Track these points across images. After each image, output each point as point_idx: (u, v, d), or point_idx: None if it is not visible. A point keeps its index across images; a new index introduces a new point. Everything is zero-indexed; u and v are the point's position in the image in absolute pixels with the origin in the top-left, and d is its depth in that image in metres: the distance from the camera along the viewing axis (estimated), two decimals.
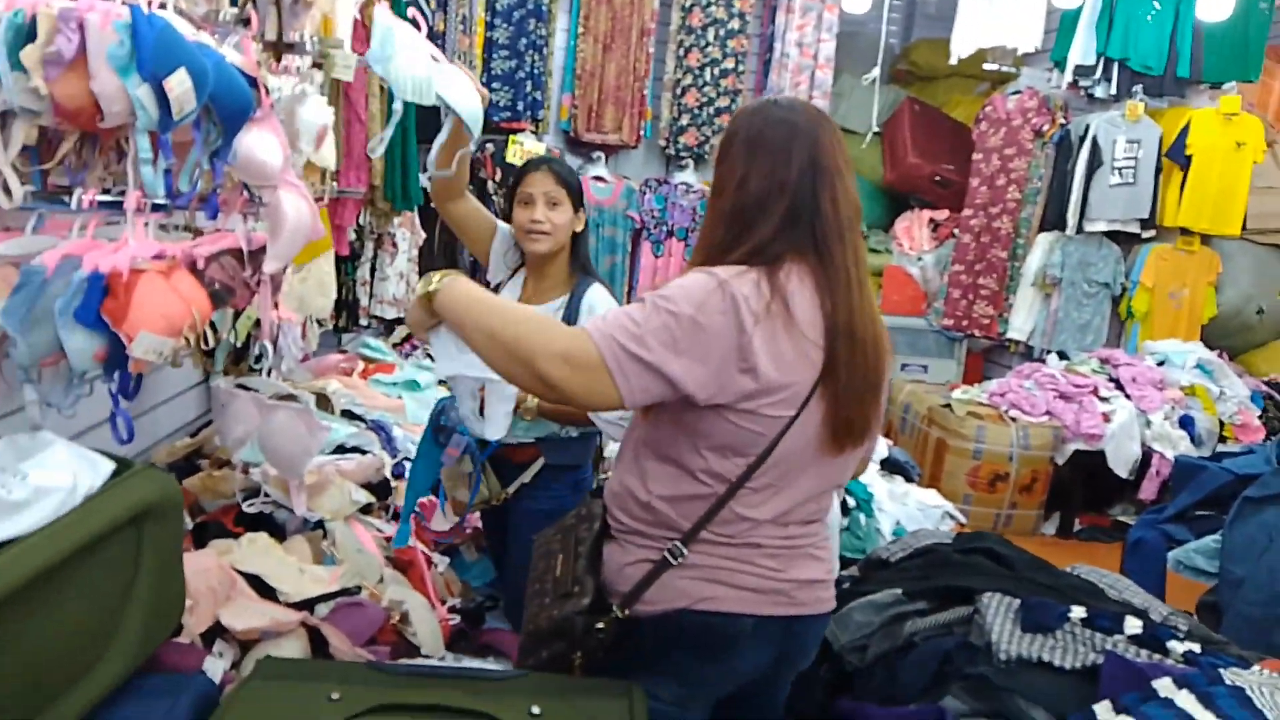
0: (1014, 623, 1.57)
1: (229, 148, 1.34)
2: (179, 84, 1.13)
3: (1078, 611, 1.57)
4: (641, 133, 5.72)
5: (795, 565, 1.39)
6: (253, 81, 1.47)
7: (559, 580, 1.40)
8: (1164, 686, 1.33)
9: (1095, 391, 4.78)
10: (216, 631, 1.58)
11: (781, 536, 1.38)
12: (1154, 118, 5.29)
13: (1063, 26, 5.31)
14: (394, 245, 4.21)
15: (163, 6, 1.21)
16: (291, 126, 1.72)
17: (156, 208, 1.30)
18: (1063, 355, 5.35)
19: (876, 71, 4.93)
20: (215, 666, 1.38)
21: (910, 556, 1.91)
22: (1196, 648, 1.52)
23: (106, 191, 1.30)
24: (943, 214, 6.25)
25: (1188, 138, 5.17)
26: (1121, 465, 4.62)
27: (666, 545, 1.35)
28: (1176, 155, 5.21)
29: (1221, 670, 1.36)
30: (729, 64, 5.81)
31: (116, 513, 1.10)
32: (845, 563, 2.55)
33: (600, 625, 1.33)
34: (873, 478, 3.23)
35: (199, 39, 1.26)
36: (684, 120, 5.79)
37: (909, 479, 3.42)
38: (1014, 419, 4.68)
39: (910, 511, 3.08)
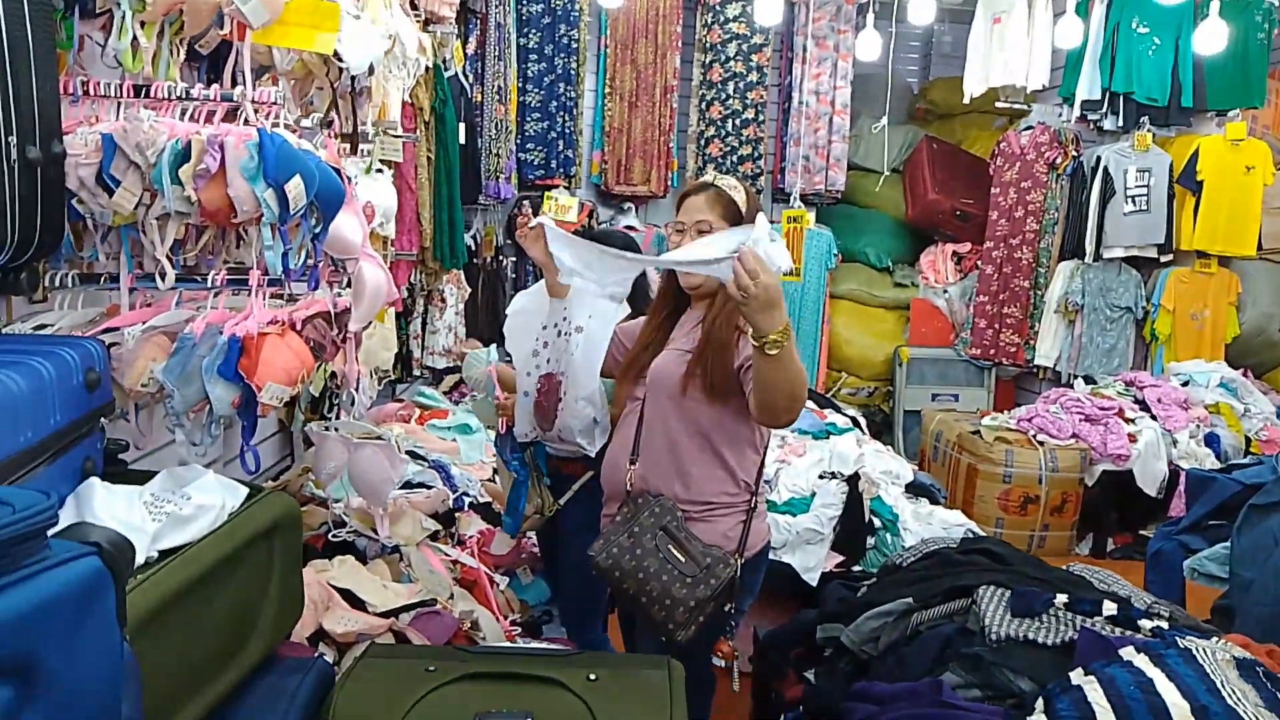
0: (1005, 609, 1.79)
1: (326, 231, 1.65)
2: (295, 187, 1.44)
3: (1061, 598, 1.79)
4: (669, 183, 6.05)
5: None
6: (339, 173, 1.79)
7: (688, 563, 1.80)
8: (1127, 653, 1.55)
9: (1120, 413, 4.94)
10: (319, 636, 1.86)
11: None
12: (1163, 146, 5.49)
13: (1069, 64, 5.56)
14: (443, 301, 4.56)
15: (275, 126, 1.54)
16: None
17: (270, 282, 1.61)
18: (1089, 380, 5.52)
19: (885, 120, 5.20)
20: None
21: (919, 560, 2.14)
22: (1165, 625, 1.74)
23: (231, 271, 1.62)
24: (965, 247, 6.46)
25: (1197, 164, 5.36)
26: (1149, 484, 4.77)
27: (747, 505, 1.89)
28: (1188, 181, 5.40)
29: (1179, 639, 1.58)
30: (749, 114, 6.14)
31: (256, 525, 1.39)
32: (870, 578, 2.77)
33: (737, 575, 1.82)
34: (898, 500, 3.45)
35: (303, 146, 1.58)
36: (709, 169, 6.11)
37: (934, 501, 3.62)
38: (1041, 443, 4.85)
39: (934, 530, 3.27)
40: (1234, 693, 1.41)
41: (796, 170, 6.14)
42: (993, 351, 6.01)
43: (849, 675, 1.98)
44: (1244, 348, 5.59)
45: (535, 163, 5.86)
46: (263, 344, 1.49)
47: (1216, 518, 3.44)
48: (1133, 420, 4.85)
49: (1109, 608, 1.77)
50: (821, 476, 3.31)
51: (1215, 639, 1.66)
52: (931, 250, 6.61)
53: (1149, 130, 5.43)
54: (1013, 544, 4.70)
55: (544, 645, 1.97)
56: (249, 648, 1.37)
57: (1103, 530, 4.96)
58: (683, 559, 1.78)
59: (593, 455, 2.14)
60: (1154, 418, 4.91)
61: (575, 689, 1.37)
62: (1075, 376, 5.57)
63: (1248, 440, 4.95)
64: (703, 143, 6.18)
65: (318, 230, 1.63)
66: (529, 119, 5.84)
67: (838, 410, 4.46)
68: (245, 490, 1.46)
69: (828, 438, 3.64)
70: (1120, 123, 5.49)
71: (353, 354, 2.00)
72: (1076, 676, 1.54)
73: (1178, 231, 5.50)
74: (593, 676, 1.40)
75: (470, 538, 2.63)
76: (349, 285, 2.02)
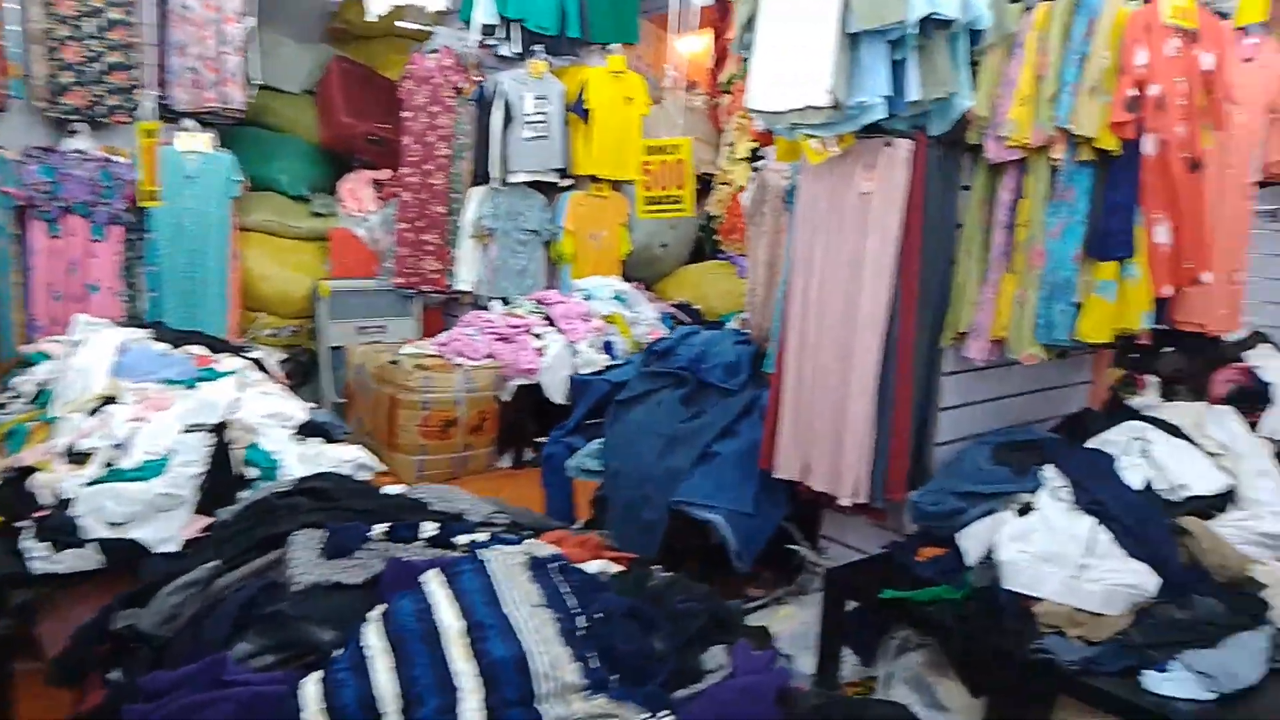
0: (317, 552, 1.57)
1: None
2: None
3: (379, 528, 1.63)
4: (8, 92, 4.86)
5: None
6: None
7: None
8: (427, 578, 1.42)
9: (530, 330, 5.19)
10: None
11: None
12: (558, 75, 5.78)
13: None
14: None
15: None
16: None
17: None
18: (506, 301, 5.72)
19: (252, 22, 4.71)
20: None
21: (240, 513, 1.85)
22: (486, 536, 1.67)
23: None
24: (385, 173, 6.27)
25: (585, 93, 5.74)
26: (556, 393, 5.05)
27: None
28: (578, 109, 5.76)
29: (481, 551, 1.50)
30: (116, 14, 5.16)
31: None
32: None
33: None
34: (283, 444, 3.11)
35: None
36: (66, 78, 5.04)
37: (331, 440, 3.36)
38: (459, 365, 4.88)
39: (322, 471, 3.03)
40: (514, 598, 1.34)
41: (184, 84, 5.35)
42: (416, 279, 5.94)
43: (152, 664, 1.62)
44: (636, 263, 6.24)
45: None
46: None
47: (595, 417, 3.72)
48: (540, 335, 5.11)
49: (428, 529, 1.65)
50: (187, 431, 2.85)
51: (524, 542, 1.63)
52: (350, 177, 6.30)
53: (545, 59, 5.67)
54: (438, 469, 4.75)
55: None
56: None
57: (522, 442, 5.20)
58: None
59: None
60: (561, 331, 5.24)
61: None
62: (492, 298, 5.73)
63: (638, 345, 5.53)
64: (54, 45, 5.05)
65: None
66: None
67: (238, 352, 3.97)
68: None
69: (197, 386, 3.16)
70: (517, 49, 5.64)
71: None
72: (372, 615, 1.37)
73: (574, 157, 5.88)
74: None
75: None
76: None
